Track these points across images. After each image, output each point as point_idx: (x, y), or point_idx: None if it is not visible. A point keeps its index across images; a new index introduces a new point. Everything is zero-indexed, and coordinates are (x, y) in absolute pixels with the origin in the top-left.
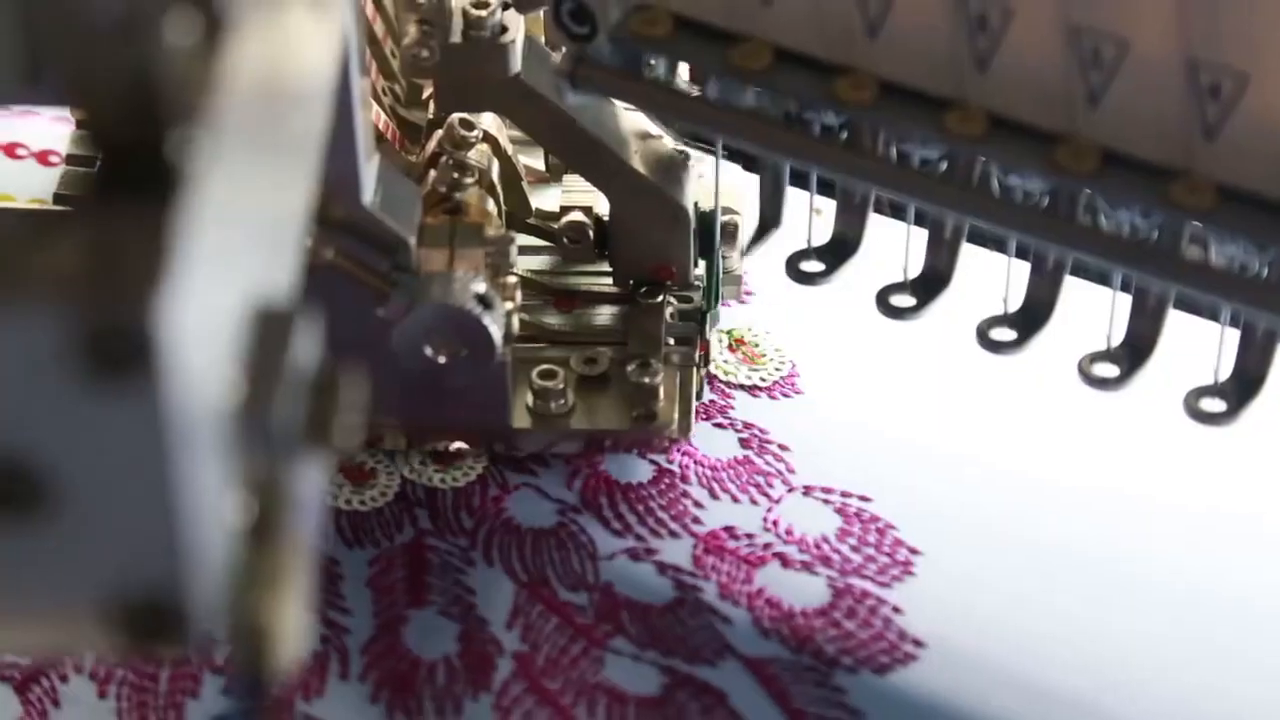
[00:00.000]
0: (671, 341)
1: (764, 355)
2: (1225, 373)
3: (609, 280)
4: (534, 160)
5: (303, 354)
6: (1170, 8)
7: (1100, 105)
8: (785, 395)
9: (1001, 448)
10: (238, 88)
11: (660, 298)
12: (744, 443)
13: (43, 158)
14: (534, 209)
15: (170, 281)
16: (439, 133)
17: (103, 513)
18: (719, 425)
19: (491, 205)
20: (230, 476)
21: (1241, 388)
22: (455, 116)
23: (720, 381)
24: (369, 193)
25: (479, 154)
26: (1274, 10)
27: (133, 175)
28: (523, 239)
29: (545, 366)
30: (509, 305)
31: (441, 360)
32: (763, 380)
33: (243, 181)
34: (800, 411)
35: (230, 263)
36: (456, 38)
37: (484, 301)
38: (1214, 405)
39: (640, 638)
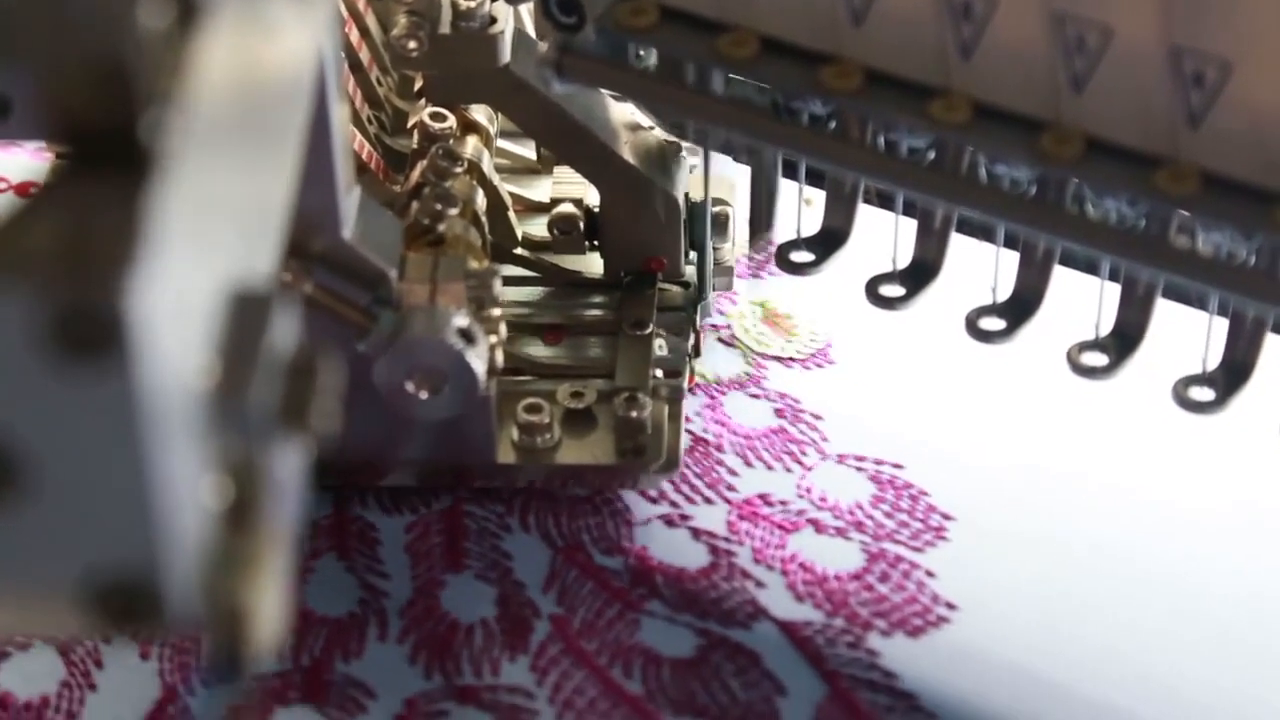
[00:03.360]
0: (659, 374)
1: (798, 328)
2: (1214, 361)
3: (597, 311)
4: (525, 150)
5: (280, 337)
6: None
7: (1084, 92)
8: (818, 366)
9: (1033, 414)
10: (214, 71)
11: (649, 330)
12: (778, 412)
13: (22, 189)
14: (521, 238)
15: (143, 262)
16: (423, 163)
17: (77, 494)
18: (754, 396)
19: (475, 237)
20: (206, 459)
21: (1230, 376)
22: (438, 147)
23: (754, 353)
24: (349, 225)
25: (464, 184)
26: None
27: (105, 158)
28: (509, 269)
29: (530, 400)
30: (493, 339)
31: (423, 396)
32: (797, 352)
33: (220, 164)
34: (833, 381)
35: (206, 245)
36: (445, 29)
37: (466, 336)
38: (1203, 394)
39: (675, 601)
